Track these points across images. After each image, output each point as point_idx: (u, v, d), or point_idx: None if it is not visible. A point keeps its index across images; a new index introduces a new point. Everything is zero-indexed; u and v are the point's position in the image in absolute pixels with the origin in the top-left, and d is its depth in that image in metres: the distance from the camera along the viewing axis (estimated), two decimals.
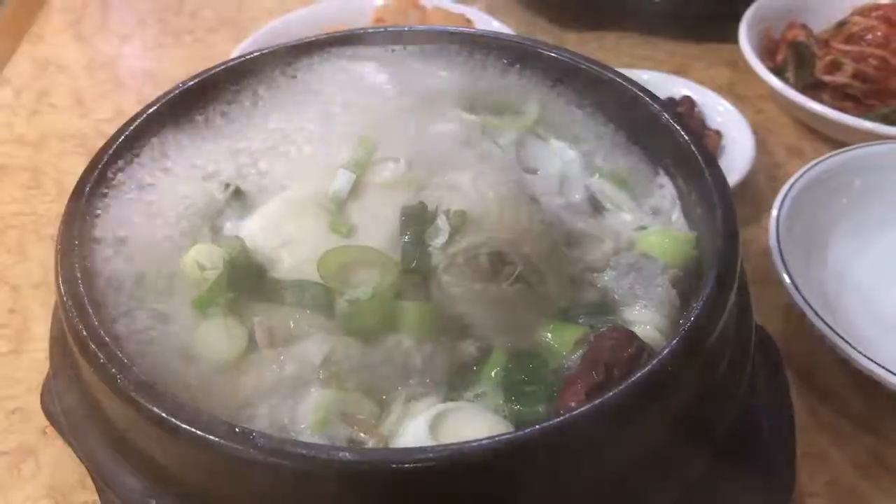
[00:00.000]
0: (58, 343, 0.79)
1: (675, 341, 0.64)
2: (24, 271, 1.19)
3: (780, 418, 0.91)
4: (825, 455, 0.97)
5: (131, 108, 1.49)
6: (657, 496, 0.69)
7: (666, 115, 0.84)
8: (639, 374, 0.63)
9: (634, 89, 0.88)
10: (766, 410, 0.90)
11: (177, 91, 0.90)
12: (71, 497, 0.94)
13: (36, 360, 1.07)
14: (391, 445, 0.67)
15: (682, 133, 0.82)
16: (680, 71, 1.55)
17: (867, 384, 0.96)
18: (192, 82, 0.91)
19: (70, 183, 1.32)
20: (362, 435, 0.68)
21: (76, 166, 1.36)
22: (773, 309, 1.12)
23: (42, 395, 0.91)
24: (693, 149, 0.80)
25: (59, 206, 1.28)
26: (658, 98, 0.87)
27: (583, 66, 0.92)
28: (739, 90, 1.51)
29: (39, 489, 0.95)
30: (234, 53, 1.39)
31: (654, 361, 0.64)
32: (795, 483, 0.88)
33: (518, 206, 0.76)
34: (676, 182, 0.85)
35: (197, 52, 1.62)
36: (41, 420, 0.92)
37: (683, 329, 0.65)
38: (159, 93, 1.43)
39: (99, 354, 0.65)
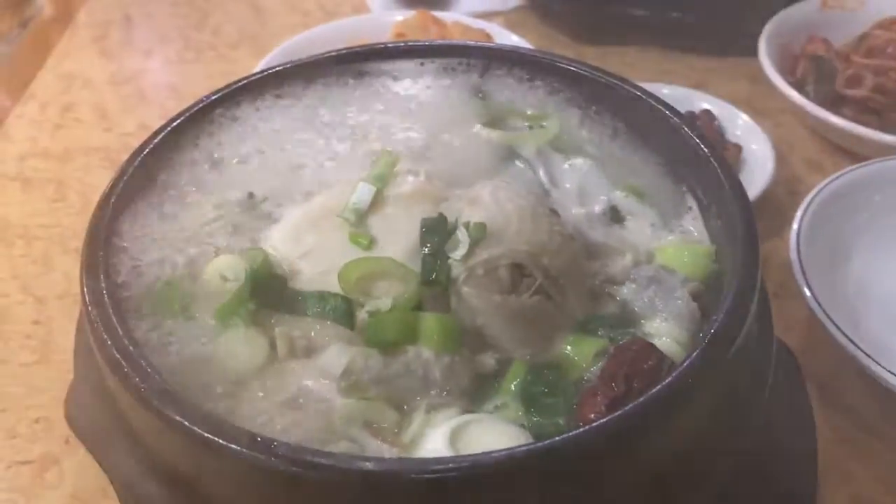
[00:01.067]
0: (82, 353, 0.80)
1: (694, 354, 0.64)
2: (49, 283, 1.21)
3: (801, 433, 0.91)
4: (847, 470, 0.97)
5: (154, 122, 1.52)
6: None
7: (685, 128, 0.84)
8: (658, 387, 0.63)
9: (653, 102, 0.88)
10: (788, 425, 0.90)
11: (200, 105, 0.91)
12: None
13: (60, 370, 1.08)
14: (412, 455, 0.68)
15: (702, 146, 0.82)
16: (700, 85, 1.55)
17: (889, 398, 0.96)
18: (214, 97, 0.92)
19: (95, 196, 1.35)
20: (384, 443, 0.69)
21: (101, 179, 1.38)
22: (794, 322, 1.12)
23: (66, 404, 0.91)
24: (712, 161, 0.81)
25: (84, 219, 1.30)
26: (677, 111, 0.88)
27: (602, 80, 0.92)
28: (759, 104, 1.50)
29: (63, 498, 0.96)
30: (257, 69, 1.41)
31: (674, 374, 0.64)
32: (817, 498, 0.87)
33: (537, 219, 0.76)
34: (696, 194, 0.85)
35: (219, 67, 1.64)
36: (65, 429, 0.92)
37: (703, 342, 0.65)
38: (182, 107, 1.46)
39: (123, 364, 0.65)
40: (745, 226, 0.75)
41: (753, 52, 1.48)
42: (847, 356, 0.98)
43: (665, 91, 1.41)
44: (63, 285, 1.20)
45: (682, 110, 1.36)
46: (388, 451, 0.68)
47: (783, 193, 1.32)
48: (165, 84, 1.60)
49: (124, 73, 1.63)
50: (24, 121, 1.51)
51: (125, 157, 1.43)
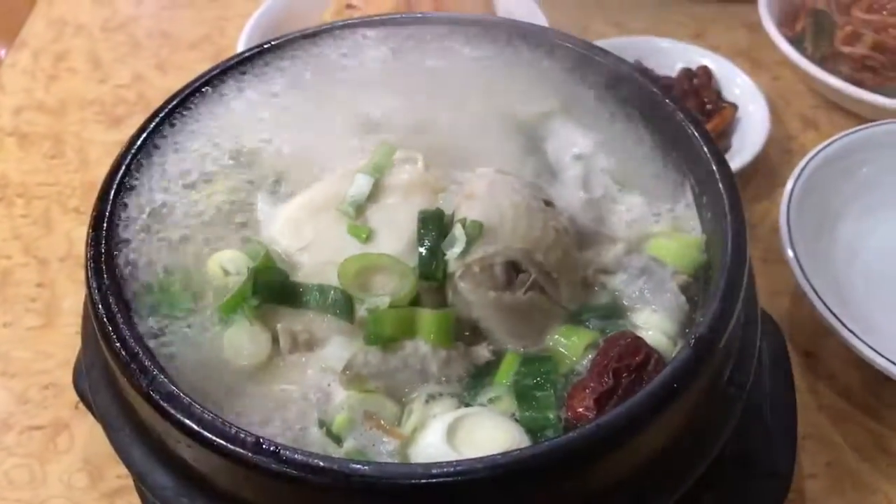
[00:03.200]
0: (90, 338, 0.81)
1: (678, 361, 0.67)
2: (50, 244, 1.23)
3: (782, 405, 0.94)
4: (826, 437, 1.01)
5: (149, 72, 1.52)
6: (666, 494, 0.72)
7: (681, 115, 0.85)
8: (644, 391, 0.66)
9: (654, 88, 0.89)
10: (770, 398, 0.94)
11: (195, 84, 0.91)
12: (105, 470, 0.99)
13: (67, 334, 1.11)
14: (411, 447, 0.71)
15: (697, 135, 0.83)
16: (698, 34, 1.54)
17: (869, 367, 0.99)
18: (208, 75, 0.92)
19: (92, 152, 1.37)
20: (384, 435, 0.72)
21: (97, 134, 1.40)
22: (781, 287, 1.15)
23: (74, 377, 0.95)
24: (706, 153, 0.82)
25: (83, 176, 1.33)
26: (674, 97, 0.88)
27: (599, 60, 0.92)
28: (757, 55, 1.50)
29: (75, 462, 1.00)
30: (253, 15, 1.39)
31: (661, 376, 0.67)
32: (795, 466, 0.92)
33: (532, 214, 0.77)
34: (690, 181, 0.86)
35: (213, 12, 1.61)
36: (74, 394, 0.96)
37: (688, 345, 0.68)
38: (176, 56, 1.45)
39: (131, 365, 0.68)
40: (735, 222, 0.76)
41: None
42: (830, 326, 1.00)
43: (664, 45, 1.40)
44: (65, 247, 1.22)
45: (681, 65, 1.38)
46: (388, 443, 0.71)
47: (777, 152, 1.33)
48: (158, 31, 1.57)
49: (117, 19, 1.61)
50: (17, 70, 1.50)
51: (120, 110, 1.44)
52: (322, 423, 0.72)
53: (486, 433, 0.71)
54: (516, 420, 0.73)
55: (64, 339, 1.11)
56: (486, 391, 0.75)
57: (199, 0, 1.64)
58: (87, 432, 1.02)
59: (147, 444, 0.72)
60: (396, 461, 0.70)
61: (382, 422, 0.72)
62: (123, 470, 0.95)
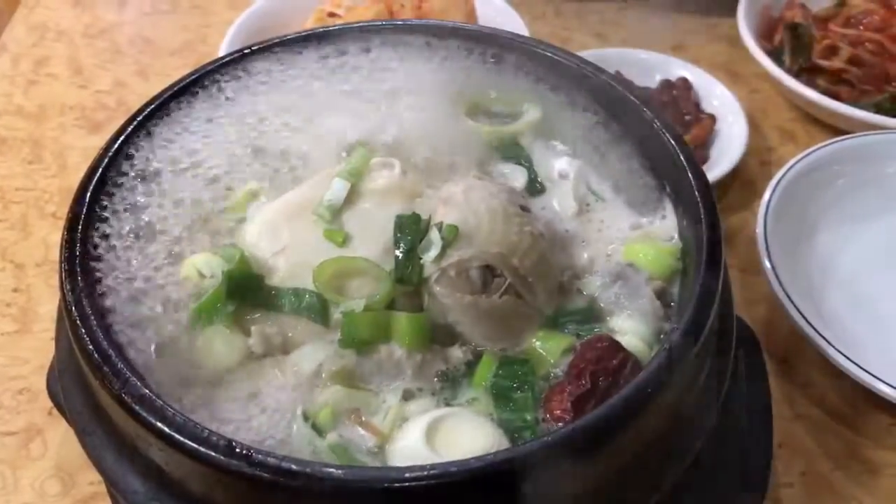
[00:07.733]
0: (63, 341, 0.81)
1: (656, 363, 0.67)
2: (26, 249, 1.22)
3: (758, 413, 0.95)
4: (801, 446, 1.01)
5: (130, 78, 1.51)
6: (642, 498, 0.72)
7: (659, 125, 0.85)
8: (620, 395, 0.66)
9: (631, 97, 0.89)
10: (745, 406, 0.94)
11: (174, 88, 0.91)
12: (77, 477, 0.98)
13: (42, 339, 1.10)
14: (390, 446, 0.71)
15: (675, 145, 0.83)
16: (678, 47, 1.55)
17: (844, 376, 1.00)
18: (188, 79, 0.91)
19: (71, 157, 1.36)
20: (364, 430, 0.72)
21: (76, 140, 1.39)
22: (758, 296, 1.16)
23: (48, 382, 0.94)
24: (682, 160, 0.82)
25: (61, 182, 1.32)
26: (653, 107, 0.88)
27: (580, 70, 0.93)
28: (736, 68, 1.51)
29: (47, 469, 0.99)
30: (235, 23, 1.39)
31: (637, 380, 0.67)
32: (770, 474, 0.92)
33: (508, 219, 0.78)
34: (667, 190, 0.86)
35: (195, 19, 1.61)
36: (48, 400, 0.95)
37: (663, 352, 0.68)
38: (156, 63, 1.45)
39: (104, 368, 0.68)
40: (710, 230, 0.76)
41: (734, 12, 1.48)
42: (806, 335, 1.01)
43: (643, 56, 1.42)
44: (42, 252, 1.21)
45: (660, 77, 1.39)
46: (370, 438, 0.71)
47: (755, 164, 1.34)
48: (140, 37, 1.57)
49: (98, 25, 1.60)
50: None
51: (100, 116, 1.43)
52: (306, 417, 0.71)
53: (465, 434, 0.71)
54: (494, 421, 0.73)
55: (39, 345, 1.10)
56: (463, 393, 0.75)
57: (181, 7, 1.64)
58: (61, 438, 1.01)
59: (119, 448, 0.72)
60: (377, 458, 0.70)
61: (364, 418, 0.72)
62: (96, 476, 0.94)
